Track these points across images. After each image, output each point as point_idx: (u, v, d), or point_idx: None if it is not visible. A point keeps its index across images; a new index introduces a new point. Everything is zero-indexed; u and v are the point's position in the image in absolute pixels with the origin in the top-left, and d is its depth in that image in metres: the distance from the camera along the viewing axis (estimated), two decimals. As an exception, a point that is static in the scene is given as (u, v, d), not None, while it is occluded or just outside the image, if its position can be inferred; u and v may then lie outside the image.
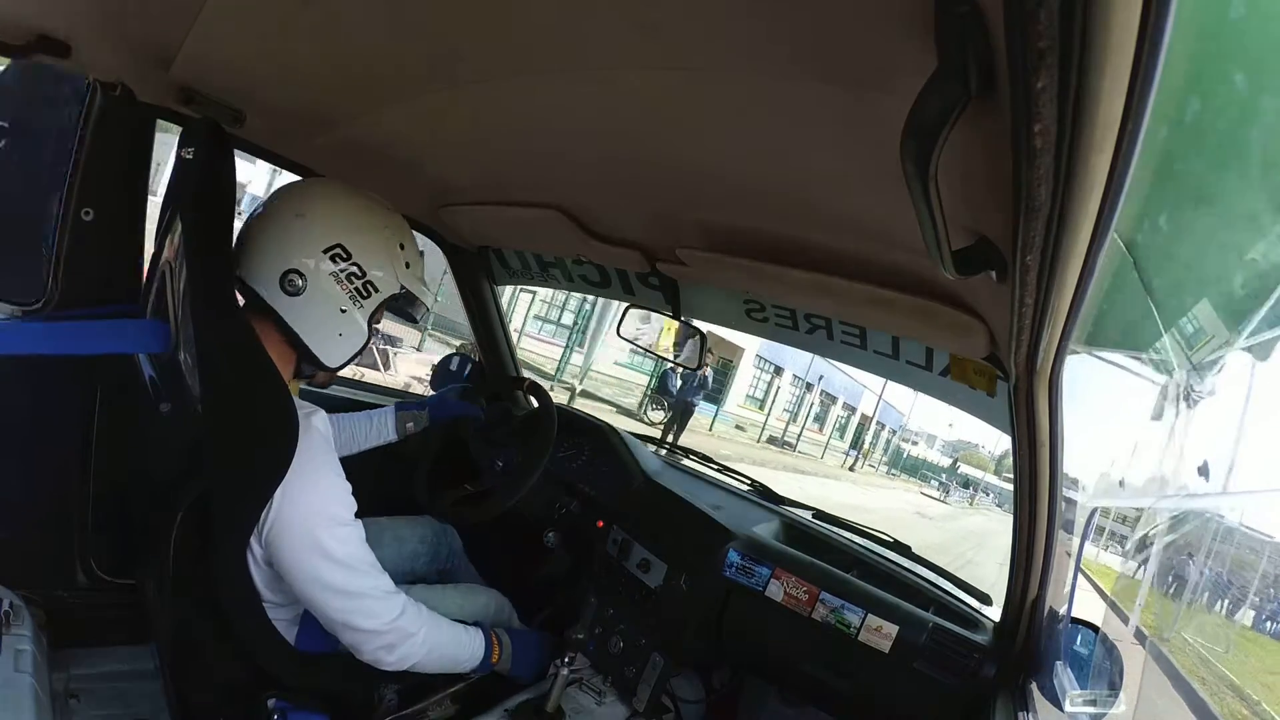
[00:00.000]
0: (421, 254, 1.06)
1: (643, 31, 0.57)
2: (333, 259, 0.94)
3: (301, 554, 0.89)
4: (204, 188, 0.94)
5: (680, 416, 9.60)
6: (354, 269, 0.95)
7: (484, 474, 1.49)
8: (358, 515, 0.95)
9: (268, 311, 0.93)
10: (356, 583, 0.92)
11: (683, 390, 9.46)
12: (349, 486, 0.95)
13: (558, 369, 10.83)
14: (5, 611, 1.05)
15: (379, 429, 1.49)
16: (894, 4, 0.41)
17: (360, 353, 1.02)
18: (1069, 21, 0.30)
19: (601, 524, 1.57)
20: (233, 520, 0.87)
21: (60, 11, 0.92)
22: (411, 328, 8.00)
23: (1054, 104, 0.35)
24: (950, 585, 1.41)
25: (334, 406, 1.67)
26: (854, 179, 0.71)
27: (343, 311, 0.97)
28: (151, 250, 1.22)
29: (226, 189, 0.93)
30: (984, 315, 0.88)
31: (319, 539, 0.89)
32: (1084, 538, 1.05)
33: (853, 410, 27.47)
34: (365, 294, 0.97)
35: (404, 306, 1.06)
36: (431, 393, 1.84)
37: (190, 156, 0.98)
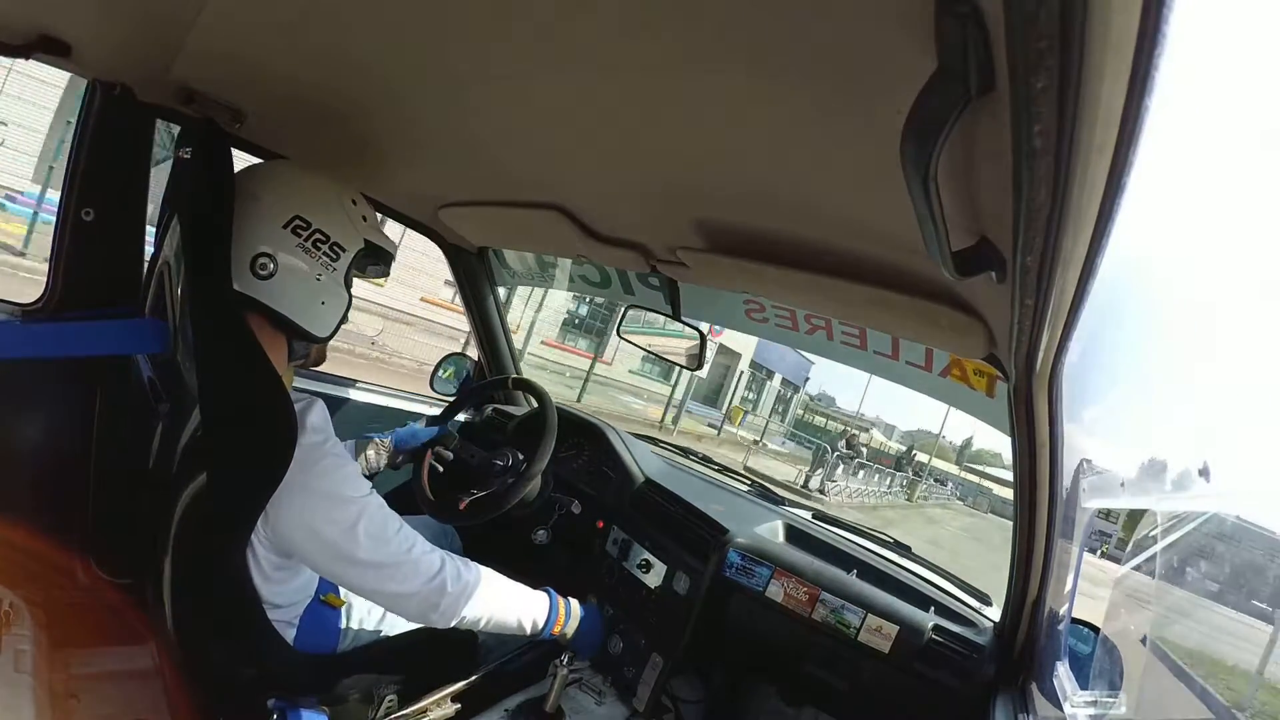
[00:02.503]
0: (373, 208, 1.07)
1: (642, 31, 0.57)
2: (294, 231, 0.94)
3: (319, 540, 0.90)
4: (202, 188, 0.94)
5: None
6: (317, 235, 0.96)
7: (484, 475, 1.49)
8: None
9: (249, 301, 0.93)
10: (382, 552, 0.93)
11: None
12: (356, 466, 0.96)
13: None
14: (5, 611, 1.05)
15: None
16: (894, 4, 0.41)
17: (346, 313, 1.03)
18: (1069, 21, 0.30)
19: (601, 524, 1.57)
20: (233, 520, 0.87)
21: (60, 11, 0.92)
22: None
23: (1054, 104, 0.35)
24: (950, 585, 1.41)
25: (332, 408, 1.68)
26: (854, 179, 0.71)
27: (319, 279, 0.97)
28: (151, 250, 1.22)
29: (225, 189, 0.93)
30: (984, 316, 0.88)
31: (334, 521, 0.90)
32: (1083, 539, 1.05)
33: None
34: (335, 256, 0.98)
35: (371, 260, 1.06)
36: (431, 392, 1.84)
37: (189, 156, 0.98)
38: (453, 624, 1.03)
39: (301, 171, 1.01)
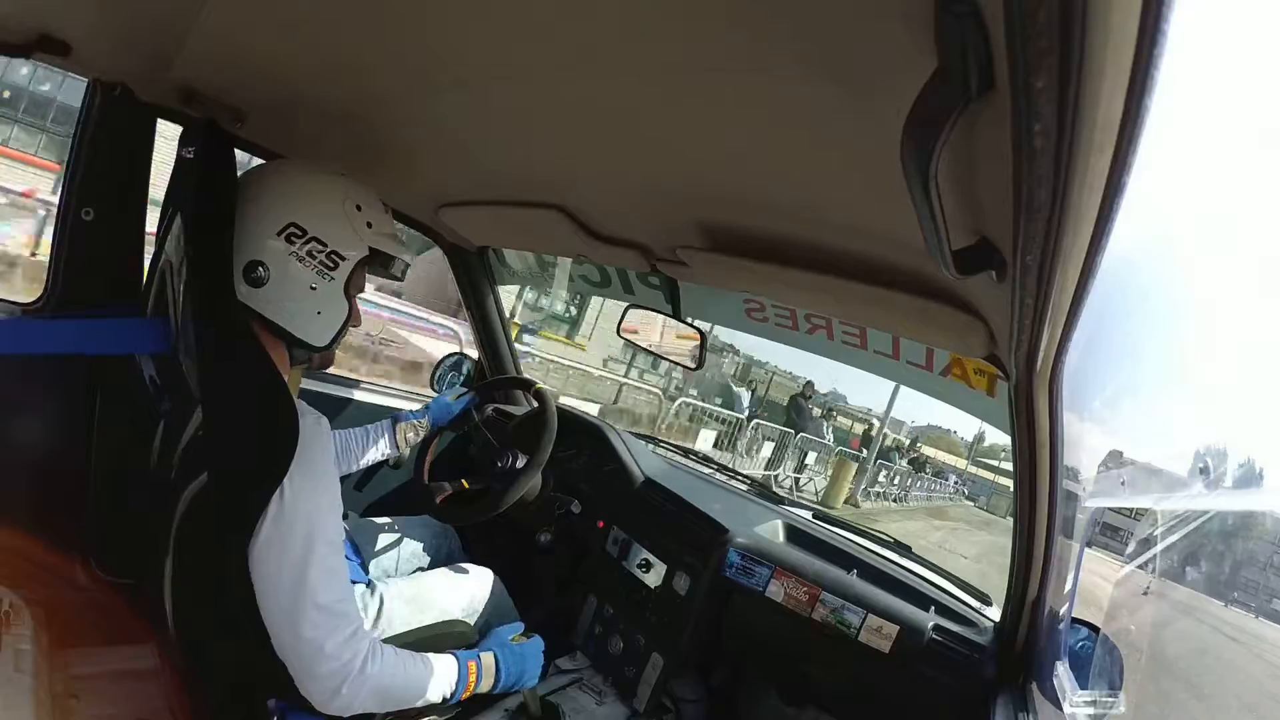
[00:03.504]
0: (389, 209, 1.04)
1: (643, 32, 0.57)
2: (288, 239, 0.92)
3: (285, 569, 0.85)
4: (205, 187, 0.94)
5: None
6: (314, 244, 0.93)
7: (482, 473, 1.49)
8: (361, 515, 0.94)
9: (247, 308, 0.92)
10: (322, 623, 0.86)
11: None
12: (340, 505, 0.92)
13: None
14: (5, 611, 1.05)
15: (376, 444, 1.47)
16: (894, 4, 0.41)
17: (348, 322, 1.01)
18: (1069, 21, 0.30)
19: (602, 524, 1.57)
20: (233, 519, 0.87)
21: (60, 11, 0.92)
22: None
23: (1054, 104, 0.35)
24: (950, 585, 1.41)
25: (334, 408, 1.68)
26: (854, 179, 0.71)
27: (313, 289, 0.94)
28: (151, 250, 1.22)
29: (227, 188, 0.93)
30: (984, 315, 0.88)
31: (308, 562, 0.85)
32: (1085, 538, 1.06)
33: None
34: (332, 265, 0.95)
35: (380, 267, 1.03)
36: (431, 392, 1.84)
37: (191, 156, 0.98)
38: (345, 716, 0.92)
39: (303, 174, 0.98)
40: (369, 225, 0.98)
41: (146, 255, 1.26)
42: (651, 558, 1.45)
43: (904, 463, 14.84)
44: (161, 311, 1.09)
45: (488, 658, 1.11)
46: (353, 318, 1.02)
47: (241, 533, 0.87)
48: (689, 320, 1.62)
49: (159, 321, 1.10)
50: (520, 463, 1.46)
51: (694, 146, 0.78)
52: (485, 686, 1.10)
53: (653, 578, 1.44)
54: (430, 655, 1.02)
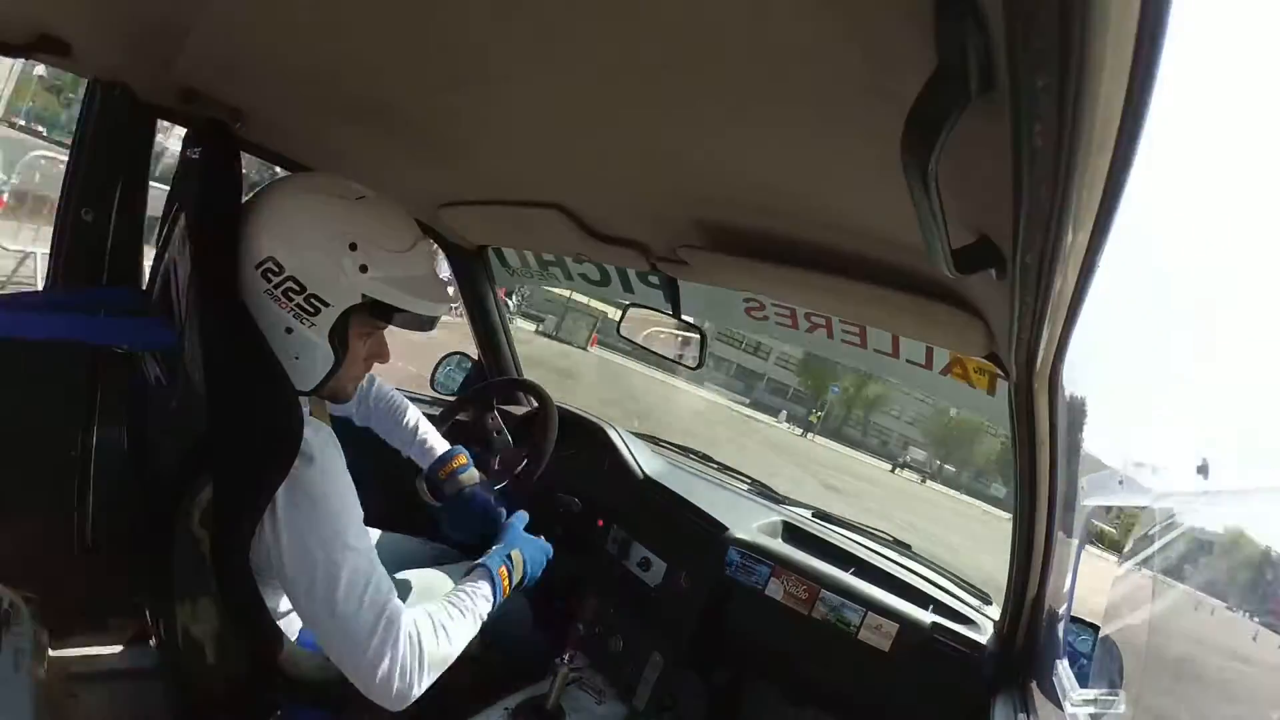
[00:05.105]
0: (414, 247, 0.90)
1: (643, 31, 0.57)
2: (264, 276, 0.84)
3: (303, 570, 0.85)
4: (210, 188, 0.93)
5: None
6: (289, 284, 0.83)
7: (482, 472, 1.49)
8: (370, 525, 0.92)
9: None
10: (352, 616, 0.84)
11: None
12: (359, 511, 0.89)
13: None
14: (5, 611, 1.05)
15: (420, 450, 1.34)
16: (894, 4, 0.41)
17: (336, 371, 0.91)
18: (1069, 21, 0.30)
19: (601, 522, 1.57)
20: (235, 520, 0.87)
21: (60, 11, 0.92)
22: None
23: (1054, 104, 0.35)
24: (950, 584, 1.41)
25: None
26: (854, 179, 0.71)
27: (290, 332, 0.86)
28: (152, 251, 1.22)
29: (233, 189, 0.93)
30: (984, 314, 0.89)
31: (326, 560, 0.84)
32: (1083, 537, 1.06)
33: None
34: (312, 310, 0.84)
35: (385, 315, 0.90)
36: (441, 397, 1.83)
37: (196, 156, 0.98)
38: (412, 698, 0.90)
39: (296, 196, 0.90)
40: (363, 269, 0.85)
41: (146, 256, 1.26)
42: (651, 556, 1.45)
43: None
44: (167, 310, 1.09)
45: (516, 555, 1.07)
46: (350, 366, 0.93)
47: (243, 533, 0.87)
48: (689, 319, 1.62)
49: (166, 320, 1.10)
50: (522, 463, 1.46)
51: (694, 146, 0.78)
52: (517, 581, 1.06)
53: (653, 576, 1.44)
54: (464, 592, 0.98)
